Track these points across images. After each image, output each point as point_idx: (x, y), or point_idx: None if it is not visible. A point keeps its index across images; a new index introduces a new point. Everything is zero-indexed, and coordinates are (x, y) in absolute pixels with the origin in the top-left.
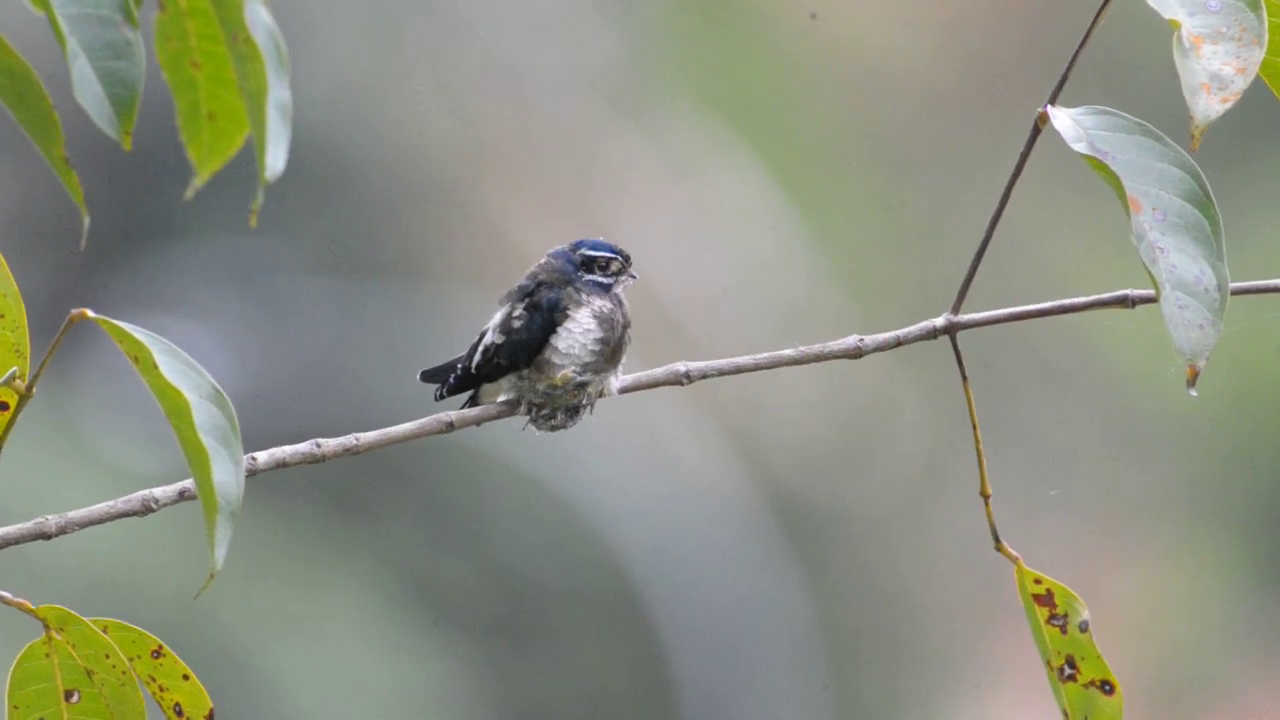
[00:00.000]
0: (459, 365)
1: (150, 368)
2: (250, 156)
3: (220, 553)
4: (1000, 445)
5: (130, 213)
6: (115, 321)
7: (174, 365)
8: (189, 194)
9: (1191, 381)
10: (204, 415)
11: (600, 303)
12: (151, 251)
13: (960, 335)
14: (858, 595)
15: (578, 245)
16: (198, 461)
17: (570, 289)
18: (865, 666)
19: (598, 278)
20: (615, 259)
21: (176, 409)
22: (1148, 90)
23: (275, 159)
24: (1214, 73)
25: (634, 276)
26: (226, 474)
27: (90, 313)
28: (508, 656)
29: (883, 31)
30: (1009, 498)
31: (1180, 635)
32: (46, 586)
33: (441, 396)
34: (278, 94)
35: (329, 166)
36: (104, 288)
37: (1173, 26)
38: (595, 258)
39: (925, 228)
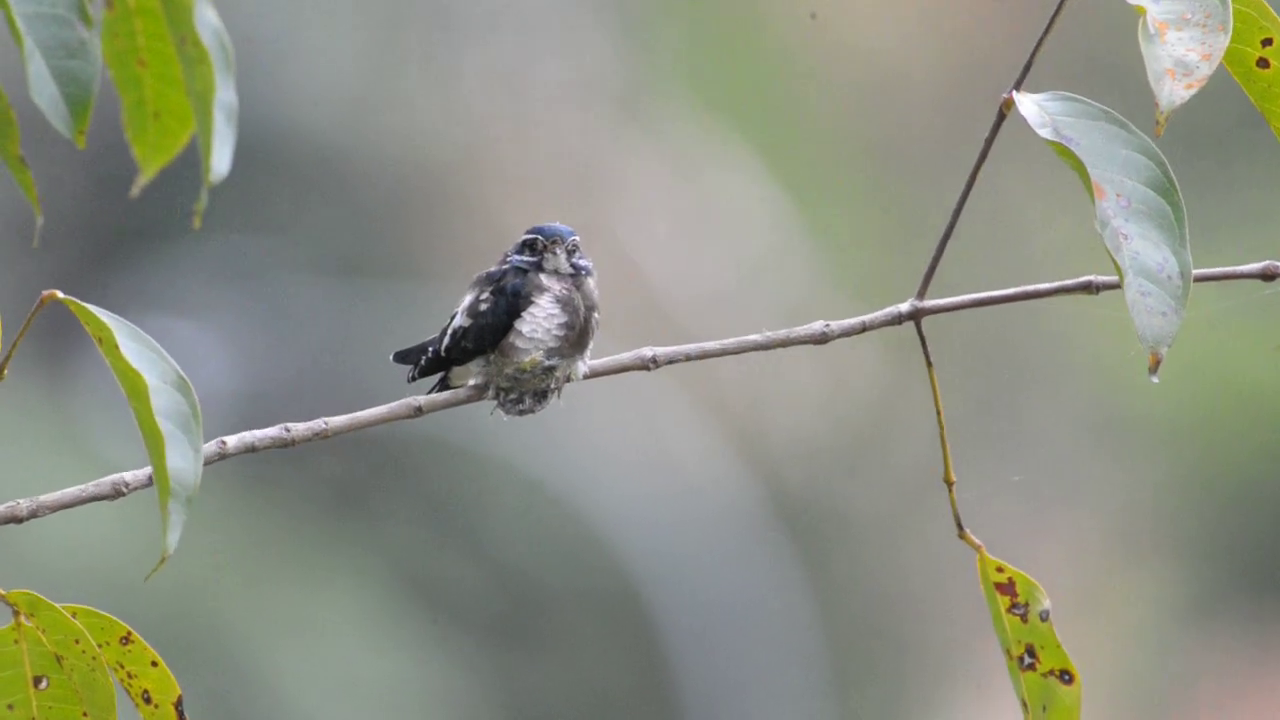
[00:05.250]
0: (430, 348)
1: (112, 349)
2: (248, 158)
3: (173, 537)
4: (1000, 446)
5: (130, 213)
6: (81, 303)
7: (137, 349)
8: (134, 191)
9: (1154, 368)
10: (164, 400)
11: (561, 288)
12: (151, 251)
13: (974, 342)
14: (859, 595)
15: (528, 230)
16: (154, 445)
17: (532, 274)
18: (866, 666)
19: (524, 257)
20: (537, 238)
21: (135, 391)
22: (1141, 88)
23: (220, 161)
24: (1179, 58)
25: (581, 256)
26: (184, 460)
27: (60, 294)
28: (507, 656)
29: (882, 31)
30: (1015, 500)
31: (1164, 644)
32: (44, 589)
33: (414, 378)
34: (224, 96)
35: (329, 167)
36: (103, 288)
37: (1138, 12)
38: (524, 240)
39: (923, 226)
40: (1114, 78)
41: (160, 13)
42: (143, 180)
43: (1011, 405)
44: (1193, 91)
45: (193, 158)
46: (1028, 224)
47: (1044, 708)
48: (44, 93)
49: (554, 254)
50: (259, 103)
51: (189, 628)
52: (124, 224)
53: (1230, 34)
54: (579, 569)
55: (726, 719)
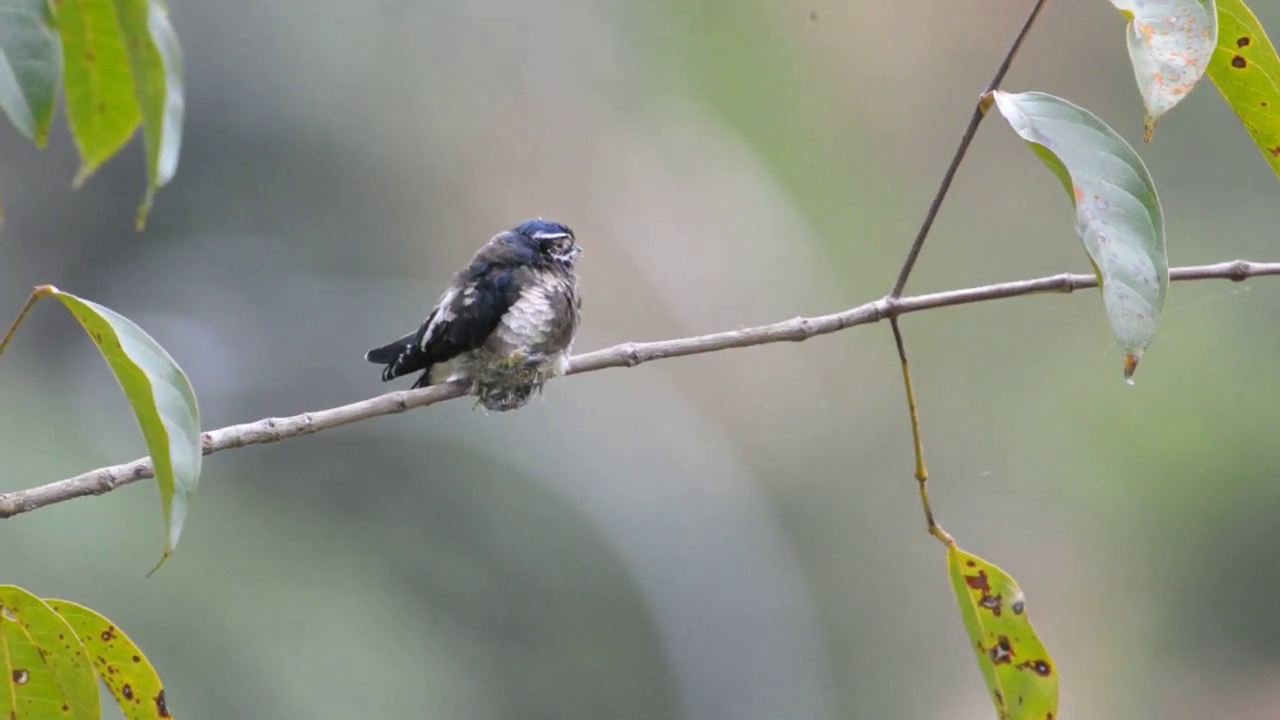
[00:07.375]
0: (409, 345)
1: (113, 346)
2: (247, 158)
3: (175, 532)
4: (1005, 451)
5: (130, 213)
6: (79, 299)
7: (136, 345)
8: (77, 182)
9: (1129, 370)
10: (164, 396)
11: (553, 283)
12: (151, 251)
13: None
14: (859, 596)
15: (529, 229)
16: (156, 441)
17: (523, 268)
18: (867, 667)
19: (557, 256)
20: (566, 237)
21: (137, 388)
22: (1128, 85)
23: (166, 164)
24: (1165, 63)
25: (579, 250)
26: (184, 454)
27: (55, 289)
28: (509, 657)
29: (882, 31)
30: (1021, 506)
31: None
32: (43, 591)
33: (389, 376)
34: (172, 99)
35: (329, 166)
36: (104, 288)
37: (1126, 17)
38: (551, 239)
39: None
40: (1101, 75)
41: (110, 7)
42: (85, 172)
43: (998, 431)
44: (1180, 97)
45: (187, 160)
46: (1030, 229)
47: (1020, 699)
48: (6, 93)
49: (578, 251)
50: (258, 103)
51: (189, 629)
52: (124, 224)
53: (1216, 39)
54: (580, 570)
55: (727, 719)
